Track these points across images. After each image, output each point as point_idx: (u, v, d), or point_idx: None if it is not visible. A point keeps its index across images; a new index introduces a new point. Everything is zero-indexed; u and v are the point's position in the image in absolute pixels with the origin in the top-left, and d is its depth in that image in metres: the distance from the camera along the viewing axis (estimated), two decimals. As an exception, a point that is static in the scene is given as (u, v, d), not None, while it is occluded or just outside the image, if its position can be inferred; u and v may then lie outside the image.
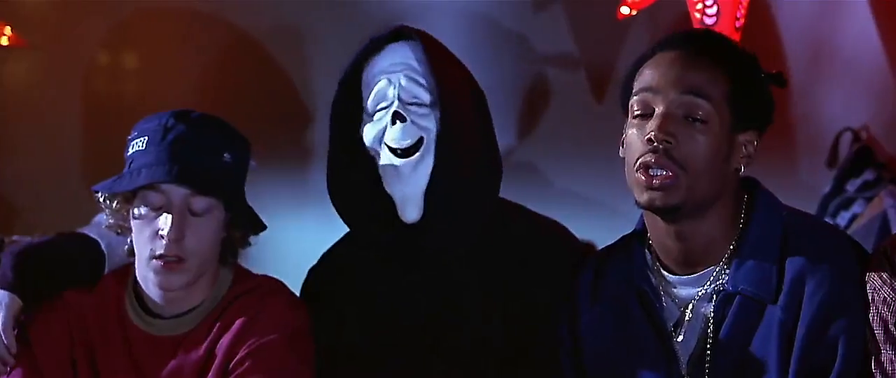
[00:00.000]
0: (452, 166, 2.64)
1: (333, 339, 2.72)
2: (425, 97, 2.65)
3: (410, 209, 2.67)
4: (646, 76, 2.42)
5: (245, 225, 2.72)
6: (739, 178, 2.45)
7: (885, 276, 2.38)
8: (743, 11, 3.86)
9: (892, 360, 2.34)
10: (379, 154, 2.69)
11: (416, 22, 4.09)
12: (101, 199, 2.69)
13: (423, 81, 2.66)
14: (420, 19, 4.08)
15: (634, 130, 2.40)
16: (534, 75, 4.21)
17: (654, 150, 2.36)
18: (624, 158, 2.45)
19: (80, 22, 4.28)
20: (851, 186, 3.95)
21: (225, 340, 2.66)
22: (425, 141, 2.65)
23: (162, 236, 2.61)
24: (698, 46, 2.43)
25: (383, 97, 2.67)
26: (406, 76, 2.66)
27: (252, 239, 2.75)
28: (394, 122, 2.64)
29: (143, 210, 2.64)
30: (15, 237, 2.86)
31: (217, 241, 2.69)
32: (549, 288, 2.65)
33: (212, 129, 2.68)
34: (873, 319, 2.35)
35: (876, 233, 3.75)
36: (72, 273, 2.75)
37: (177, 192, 2.63)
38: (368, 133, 2.69)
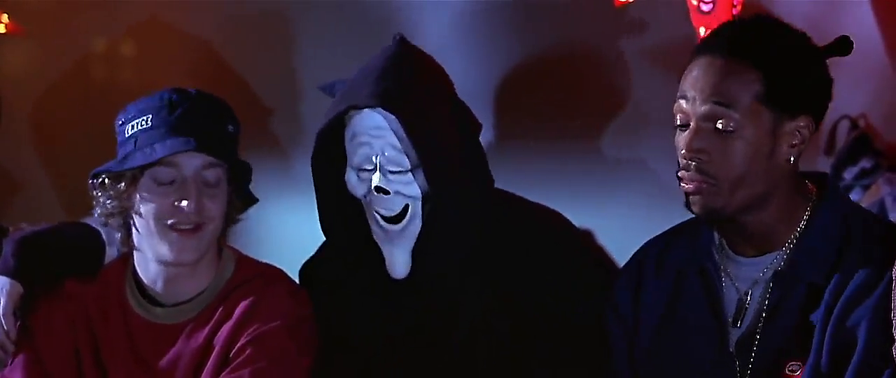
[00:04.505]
0: (441, 224, 2.68)
1: (329, 342, 2.73)
2: (407, 163, 2.67)
3: (399, 267, 2.71)
4: (685, 81, 2.46)
5: (243, 198, 2.72)
6: (796, 168, 2.47)
7: None
8: (740, -1, 3.85)
9: None
10: (366, 203, 2.72)
11: (408, 9, 4.10)
12: (101, 183, 2.68)
13: (403, 148, 2.66)
14: (412, 6, 4.07)
15: (677, 139, 2.45)
16: (529, 62, 4.21)
17: (686, 167, 2.42)
18: None
19: (78, 9, 4.27)
20: (849, 174, 3.95)
21: (226, 329, 2.66)
22: (410, 207, 2.68)
23: (181, 209, 2.61)
24: (731, 47, 2.43)
25: (367, 160, 2.69)
26: (390, 145, 2.66)
27: (241, 215, 2.77)
28: (379, 192, 2.67)
29: (152, 188, 2.63)
30: (23, 225, 2.85)
31: (224, 213, 2.70)
32: (553, 279, 2.66)
33: (213, 101, 2.72)
34: (894, 310, 2.34)
35: (873, 220, 3.75)
36: (73, 261, 2.76)
37: (190, 164, 2.63)
38: (355, 186, 2.72)
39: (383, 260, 2.73)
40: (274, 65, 4.19)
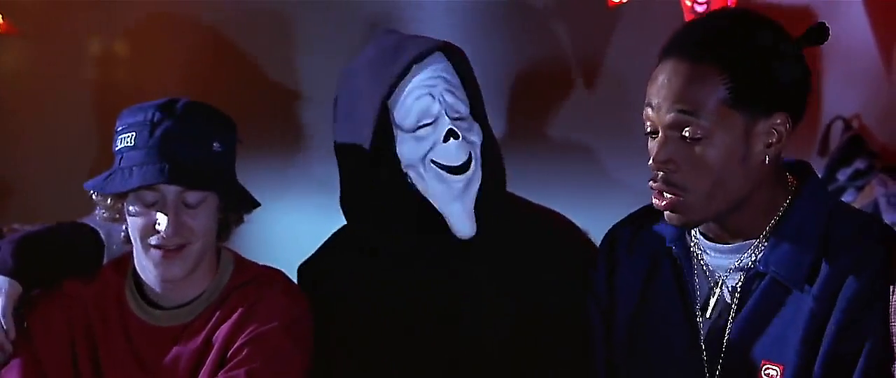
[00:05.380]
0: (498, 178, 2.68)
1: (332, 340, 2.72)
2: (465, 111, 2.66)
3: (467, 225, 2.66)
4: (650, 88, 2.36)
5: (239, 207, 2.73)
6: (774, 163, 2.36)
7: None
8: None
9: None
10: (418, 171, 2.67)
11: (406, 9, 4.11)
12: (94, 195, 2.69)
13: (461, 95, 2.65)
14: (410, 6, 4.08)
15: (650, 147, 2.37)
16: (524, 64, 4.21)
17: (655, 178, 2.34)
18: None
19: (73, 10, 4.28)
20: (842, 175, 3.96)
21: (223, 330, 2.67)
22: (473, 156, 2.66)
23: (159, 232, 2.62)
24: (694, 50, 2.33)
25: (427, 113, 2.64)
26: (448, 91, 2.64)
27: (245, 216, 2.76)
28: (447, 139, 2.63)
29: (137, 207, 2.64)
30: (15, 225, 2.86)
31: (214, 226, 2.70)
32: (559, 279, 2.67)
33: (198, 118, 2.67)
34: (893, 322, 2.29)
35: (867, 221, 3.77)
36: (72, 261, 2.76)
37: (170, 188, 2.63)
38: (411, 151, 2.65)
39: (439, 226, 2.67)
40: (272, 65, 4.20)
